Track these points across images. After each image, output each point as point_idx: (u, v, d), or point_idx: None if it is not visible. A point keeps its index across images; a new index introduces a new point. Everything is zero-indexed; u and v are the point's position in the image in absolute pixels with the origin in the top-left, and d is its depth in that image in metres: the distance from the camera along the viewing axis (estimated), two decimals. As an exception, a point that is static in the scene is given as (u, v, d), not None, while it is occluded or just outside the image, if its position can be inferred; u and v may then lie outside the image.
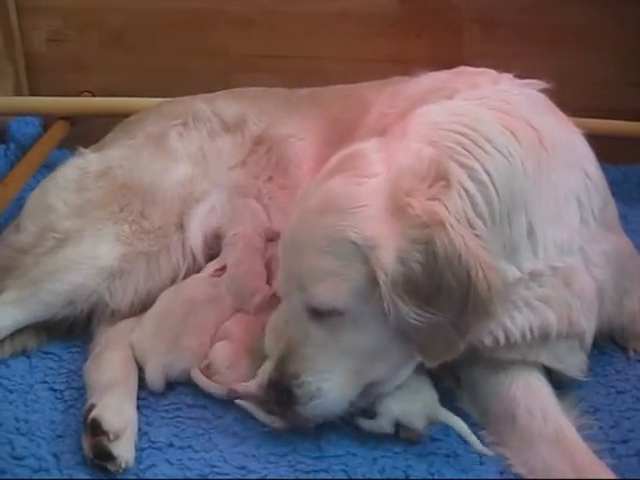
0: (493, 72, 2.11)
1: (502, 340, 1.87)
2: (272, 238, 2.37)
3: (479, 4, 3.10)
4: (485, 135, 1.81)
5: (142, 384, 2.10)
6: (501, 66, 2.18)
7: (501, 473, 1.85)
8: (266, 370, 1.89)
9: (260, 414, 1.95)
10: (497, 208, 1.77)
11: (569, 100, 1.99)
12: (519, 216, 1.82)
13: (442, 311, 1.68)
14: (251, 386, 1.98)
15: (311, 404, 1.81)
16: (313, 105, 2.55)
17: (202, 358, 2.10)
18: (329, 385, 1.80)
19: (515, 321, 1.86)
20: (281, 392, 1.82)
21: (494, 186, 1.77)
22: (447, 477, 1.85)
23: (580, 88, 1.98)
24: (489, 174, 1.77)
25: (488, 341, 1.86)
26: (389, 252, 1.66)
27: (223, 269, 2.30)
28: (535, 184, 1.84)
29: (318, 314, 1.77)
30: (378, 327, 1.74)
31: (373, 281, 1.68)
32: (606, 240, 2.01)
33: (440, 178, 1.72)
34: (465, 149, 1.78)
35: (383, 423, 1.87)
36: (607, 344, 2.16)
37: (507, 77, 2.07)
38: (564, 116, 2.02)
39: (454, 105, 1.91)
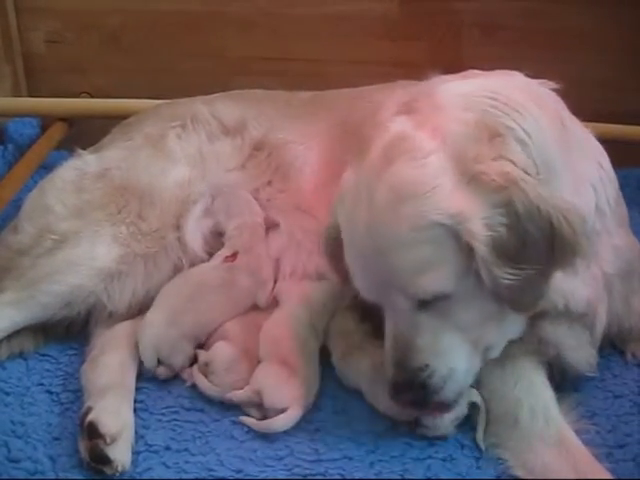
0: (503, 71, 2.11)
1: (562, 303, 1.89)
2: (269, 227, 2.41)
3: (479, 7, 3.10)
4: (515, 101, 1.81)
5: (139, 387, 2.10)
6: (501, 69, 2.18)
7: (498, 477, 1.84)
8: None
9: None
10: (537, 169, 1.78)
11: (568, 104, 1.99)
12: (549, 182, 1.80)
13: (531, 264, 1.69)
14: (245, 393, 1.99)
15: (446, 387, 1.80)
16: (317, 108, 2.54)
17: (195, 340, 2.14)
18: (457, 363, 1.80)
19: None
20: (415, 389, 1.80)
21: (533, 146, 1.78)
22: (444, 480, 1.85)
23: (579, 92, 1.97)
24: (528, 134, 1.78)
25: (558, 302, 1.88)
26: (477, 222, 1.66)
27: (234, 256, 2.30)
28: (560, 155, 1.84)
29: (425, 303, 1.75)
30: (477, 295, 1.74)
31: (468, 254, 1.68)
32: (618, 234, 2.03)
33: (494, 135, 1.73)
34: (501, 111, 1.78)
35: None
36: (605, 348, 2.15)
37: (520, 75, 2.07)
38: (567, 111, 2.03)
39: (477, 80, 1.91)
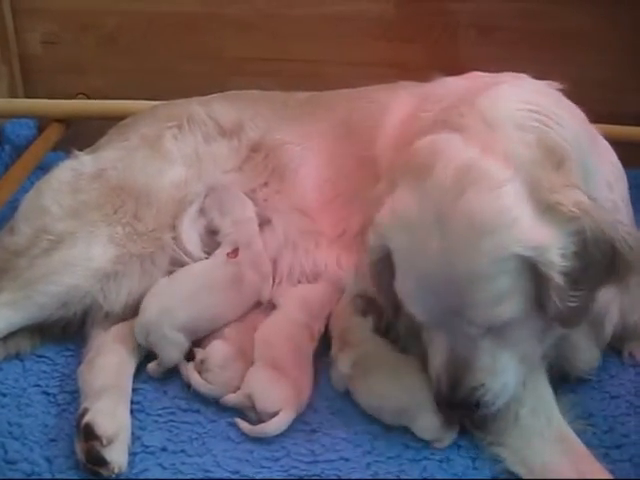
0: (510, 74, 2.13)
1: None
2: (262, 223, 2.40)
3: (475, 8, 3.10)
4: (554, 112, 1.83)
5: (136, 388, 2.09)
6: (497, 70, 2.18)
7: (494, 477, 1.84)
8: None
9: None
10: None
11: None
12: (587, 186, 1.83)
13: (589, 285, 1.73)
14: (237, 397, 2.00)
15: (497, 402, 1.82)
16: (314, 109, 2.53)
17: (193, 336, 2.15)
18: (509, 379, 1.82)
19: None
20: (468, 407, 1.83)
21: (578, 159, 1.81)
22: (440, 481, 1.85)
23: (577, 92, 1.97)
24: (573, 147, 1.80)
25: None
26: (554, 252, 1.67)
27: (235, 252, 2.30)
28: (593, 159, 1.89)
29: (490, 329, 1.76)
30: (533, 315, 1.76)
31: (538, 281, 1.69)
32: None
33: (557, 159, 1.75)
34: (548, 127, 1.79)
35: None
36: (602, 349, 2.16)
37: (527, 77, 2.08)
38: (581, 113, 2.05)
39: (510, 91, 1.90)
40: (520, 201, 1.68)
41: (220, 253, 2.33)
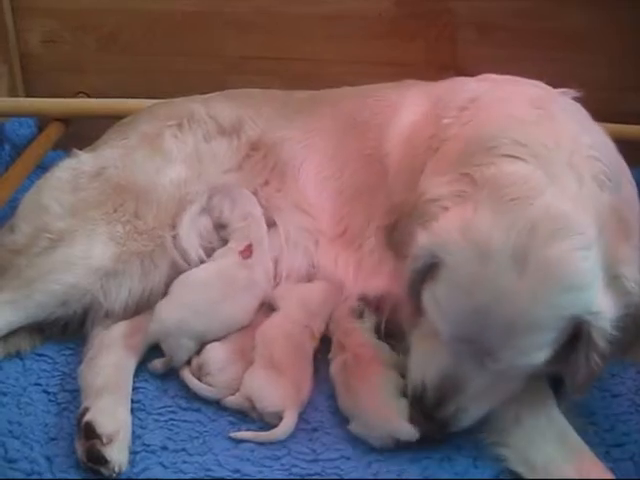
0: (520, 78, 2.13)
1: None
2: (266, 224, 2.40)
3: (475, 7, 3.09)
4: (607, 157, 1.85)
5: (136, 387, 2.09)
6: (496, 69, 2.19)
7: (496, 476, 1.85)
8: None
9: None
10: None
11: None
12: None
13: (616, 355, 1.76)
14: (236, 400, 2.00)
15: (468, 422, 1.84)
16: (315, 107, 2.53)
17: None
18: (489, 406, 1.84)
19: None
20: (441, 424, 1.83)
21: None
22: (441, 480, 1.85)
23: (577, 91, 1.98)
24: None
25: None
26: (608, 321, 1.68)
27: (249, 249, 2.29)
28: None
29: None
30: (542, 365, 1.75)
31: (577, 343, 1.71)
32: None
33: (627, 232, 1.78)
34: (609, 179, 1.80)
35: None
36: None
37: (540, 83, 2.09)
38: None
39: (572, 126, 1.88)
40: (597, 266, 1.69)
41: (232, 251, 2.31)
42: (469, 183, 1.78)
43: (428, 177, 1.96)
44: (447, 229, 1.73)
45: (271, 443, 1.93)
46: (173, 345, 2.10)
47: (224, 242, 2.38)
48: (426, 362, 1.85)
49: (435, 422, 1.83)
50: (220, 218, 2.39)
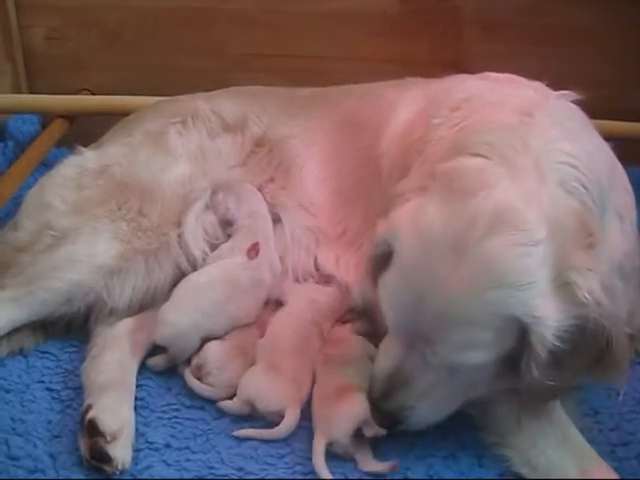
0: (520, 78, 2.10)
1: None
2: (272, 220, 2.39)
3: (480, 4, 3.09)
4: (588, 166, 1.79)
5: (140, 384, 2.09)
6: (501, 66, 2.17)
7: (501, 475, 1.84)
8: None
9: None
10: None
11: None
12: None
13: (572, 371, 1.70)
14: (235, 405, 1.99)
15: (417, 424, 1.81)
16: (319, 104, 2.52)
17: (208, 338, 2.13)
18: (442, 411, 1.81)
19: None
20: (389, 420, 1.81)
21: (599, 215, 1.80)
22: (446, 479, 1.84)
23: (580, 89, 1.97)
24: (597, 209, 1.79)
25: None
26: (550, 329, 1.62)
27: (256, 247, 2.28)
28: (603, 209, 1.86)
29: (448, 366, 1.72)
30: (495, 368, 1.72)
31: (520, 347, 1.65)
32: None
33: (589, 241, 1.70)
34: (584, 187, 1.76)
35: None
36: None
37: (540, 85, 2.05)
38: (595, 129, 2.02)
39: (552, 132, 1.83)
40: (542, 267, 1.62)
41: (237, 250, 2.30)
42: (431, 177, 1.78)
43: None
44: (400, 218, 1.74)
45: (274, 441, 1.93)
46: (182, 347, 2.10)
47: (230, 238, 2.38)
48: (381, 355, 1.84)
49: (383, 415, 1.81)
50: (226, 215, 2.39)
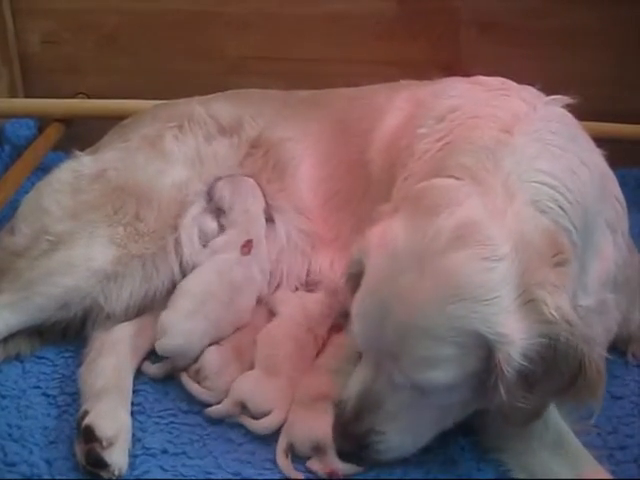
0: (512, 83, 2.09)
1: None
2: (268, 219, 2.40)
3: (477, 6, 3.08)
4: (567, 185, 1.77)
5: (136, 390, 2.08)
6: (499, 68, 2.17)
7: (499, 479, 1.83)
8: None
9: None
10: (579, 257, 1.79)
11: (567, 103, 1.98)
12: (579, 261, 1.81)
13: (544, 393, 1.66)
14: (224, 408, 1.99)
15: (386, 455, 1.76)
16: (313, 107, 2.52)
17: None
18: (413, 441, 1.77)
19: None
20: (356, 446, 1.76)
21: (577, 240, 1.78)
22: (444, 484, 1.84)
23: (578, 90, 1.97)
24: (576, 228, 1.77)
25: None
26: (517, 347, 1.58)
27: (249, 244, 2.28)
28: (591, 225, 1.85)
29: (415, 386, 1.68)
30: (465, 390, 1.68)
31: (487, 367, 1.62)
32: (632, 265, 2.03)
33: (558, 259, 1.67)
34: (560, 207, 1.74)
35: None
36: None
37: (531, 91, 2.04)
38: (586, 135, 2.01)
39: (529, 151, 1.81)
40: (506, 283, 1.60)
41: (230, 244, 2.30)
42: (405, 198, 1.79)
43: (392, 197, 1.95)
44: (371, 236, 1.74)
45: (271, 446, 1.92)
46: (188, 357, 2.10)
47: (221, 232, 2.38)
48: (352, 375, 1.79)
49: (352, 438, 1.75)
50: (218, 202, 2.39)
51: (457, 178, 1.74)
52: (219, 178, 2.41)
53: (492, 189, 1.70)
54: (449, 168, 1.78)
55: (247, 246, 2.28)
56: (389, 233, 1.69)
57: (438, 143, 1.95)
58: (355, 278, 1.77)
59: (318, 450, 1.87)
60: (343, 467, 1.84)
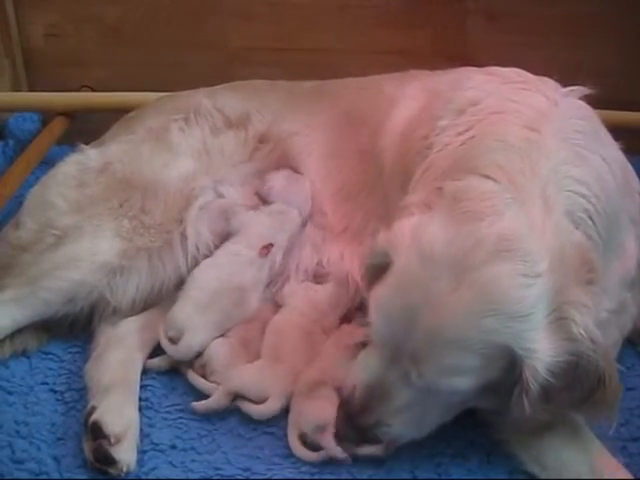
0: (528, 74, 2.07)
1: None
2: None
3: (484, -6, 3.07)
4: (596, 193, 1.77)
5: (144, 385, 2.07)
6: (505, 57, 2.16)
7: (510, 473, 1.83)
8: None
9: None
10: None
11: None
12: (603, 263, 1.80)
13: (561, 405, 1.68)
14: (215, 400, 1.98)
15: (384, 440, 1.79)
16: (320, 98, 2.50)
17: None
18: (417, 433, 1.78)
19: None
20: (362, 435, 1.78)
21: (603, 250, 1.78)
22: (454, 477, 1.84)
23: (585, 78, 1.96)
24: (602, 239, 1.78)
25: None
26: (543, 362, 1.60)
27: (267, 248, 2.27)
28: (615, 225, 1.85)
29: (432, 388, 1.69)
30: (477, 395, 1.70)
31: (508, 378, 1.63)
32: None
33: (588, 277, 1.68)
34: (589, 217, 1.75)
35: None
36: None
37: (548, 83, 2.02)
38: (604, 127, 1.99)
39: (561, 155, 1.80)
40: (541, 300, 1.61)
41: (245, 246, 2.28)
42: (438, 194, 1.77)
43: (413, 189, 1.94)
44: (402, 230, 1.73)
45: (281, 440, 1.92)
46: (193, 355, 2.10)
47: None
48: (359, 366, 1.80)
49: (358, 430, 1.77)
50: (264, 191, 2.39)
51: (494, 180, 1.73)
52: (282, 166, 2.42)
53: (531, 198, 1.71)
54: (483, 167, 1.77)
55: (266, 249, 2.27)
56: (424, 232, 1.68)
57: (460, 137, 1.93)
58: (376, 270, 1.76)
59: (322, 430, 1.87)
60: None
